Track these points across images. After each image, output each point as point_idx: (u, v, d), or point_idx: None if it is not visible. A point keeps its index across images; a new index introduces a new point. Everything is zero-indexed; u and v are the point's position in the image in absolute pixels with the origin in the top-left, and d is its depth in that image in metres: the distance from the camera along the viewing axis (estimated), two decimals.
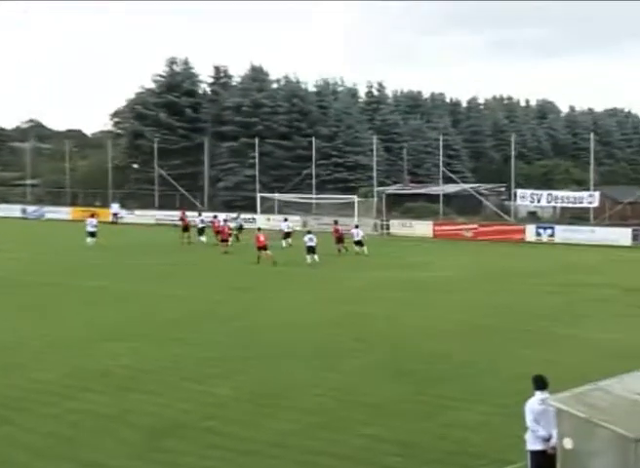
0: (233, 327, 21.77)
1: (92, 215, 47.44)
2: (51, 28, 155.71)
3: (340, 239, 41.51)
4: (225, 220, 47.79)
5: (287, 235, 45.92)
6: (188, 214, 53.03)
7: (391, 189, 66.21)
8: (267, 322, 22.38)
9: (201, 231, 47.55)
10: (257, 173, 66.43)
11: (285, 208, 60.45)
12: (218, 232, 44.39)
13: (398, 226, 54.54)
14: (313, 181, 65.02)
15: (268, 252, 37.00)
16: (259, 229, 41.77)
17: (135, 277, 32.21)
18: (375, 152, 64.55)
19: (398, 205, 61.87)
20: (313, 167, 65.62)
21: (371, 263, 37.46)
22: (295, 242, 43.59)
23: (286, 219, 48.61)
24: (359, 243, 41.04)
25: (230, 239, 44.70)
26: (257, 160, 66.59)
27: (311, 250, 37.06)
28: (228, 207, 60.07)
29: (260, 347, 19.15)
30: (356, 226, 43.03)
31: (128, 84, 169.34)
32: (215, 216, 49.42)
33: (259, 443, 12.61)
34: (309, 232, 38.80)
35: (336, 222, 44.03)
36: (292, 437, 12.85)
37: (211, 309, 24.71)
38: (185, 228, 49.24)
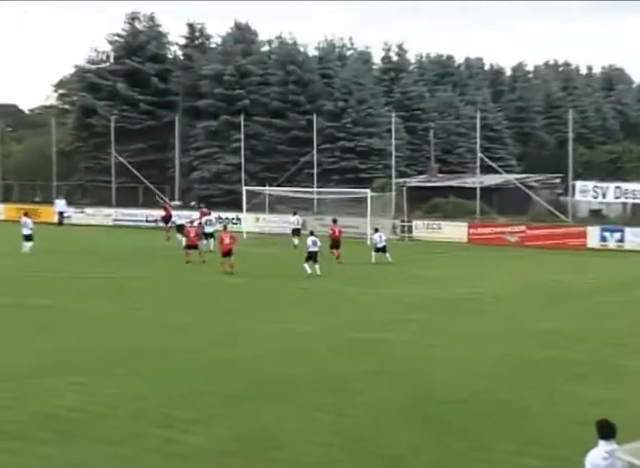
0: (206, 356, 21.50)
1: (26, 214, 47.91)
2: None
3: (335, 243, 42.37)
4: (205, 213, 48.97)
5: (296, 232, 48.98)
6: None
7: (414, 181, 67.09)
8: (251, 351, 22.20)
9: (180, 228, 48.23)
10: (242, 160, 66.73)
11: (278, 204, 60.54)
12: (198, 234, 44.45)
13: (423, 228, 54.97)
14: (314, 171, 65.26)
15: (232, 258, 37.12)
16: (224, 228, 41.82)
17: (84, 293, 32.17)
18: (393, 134, 64.63)
19: (423, 201, 62.02)
20: (315, 152, 65.86)
21: (388, 276, 37.54)
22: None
23: (295, 213, 52.14)
24: (382, 249, 41.87)
25: (206, 243, 44.75)
26: (242, 143, 66.84)
27: (313, 256, 37.32)
28: (206, 204, 60.01)
29: (242, 382, 18.97)
30: (376, 230, 43.75)
31: (77, 46, 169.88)
32: (200, 206, 51.06)
33: None
34: (312, 234, 39.22)
35: (334, 222, 44.92)
36: None
37: (177, 334, 24.50)
38: (167, 219, 50.79)
